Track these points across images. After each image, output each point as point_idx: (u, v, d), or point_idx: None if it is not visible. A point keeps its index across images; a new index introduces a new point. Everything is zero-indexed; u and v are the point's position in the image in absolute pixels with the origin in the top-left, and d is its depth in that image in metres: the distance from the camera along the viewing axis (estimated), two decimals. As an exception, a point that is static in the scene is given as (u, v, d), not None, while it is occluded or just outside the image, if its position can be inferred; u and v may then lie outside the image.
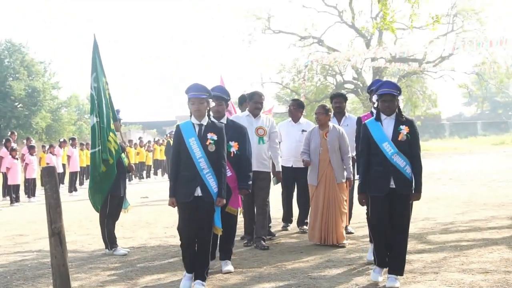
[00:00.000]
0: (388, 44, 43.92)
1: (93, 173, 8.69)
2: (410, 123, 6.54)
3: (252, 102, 9.04)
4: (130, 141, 30.58)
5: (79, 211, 14.46)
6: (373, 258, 6.79)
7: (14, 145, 19.13)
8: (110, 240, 8.92)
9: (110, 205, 8.85)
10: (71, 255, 8.75)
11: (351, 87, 48.20)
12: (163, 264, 8.09)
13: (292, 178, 10.09)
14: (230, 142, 7.34)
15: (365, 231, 9.68)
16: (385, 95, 6.51)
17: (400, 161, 6.41)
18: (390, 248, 6.50)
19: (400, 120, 6.53)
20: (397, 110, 6.57)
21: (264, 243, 8.87)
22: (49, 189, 5.71)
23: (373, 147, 6.53)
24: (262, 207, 8.95)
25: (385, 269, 6.55)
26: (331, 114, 9.15)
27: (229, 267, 7.40)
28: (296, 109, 10.31)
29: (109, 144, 8.70)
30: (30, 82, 51.74)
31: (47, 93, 53.08)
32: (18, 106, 51.16)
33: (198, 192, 6.33)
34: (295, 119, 10.26)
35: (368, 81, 46.16)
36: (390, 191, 6.42)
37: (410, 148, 6.47)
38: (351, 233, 9.64)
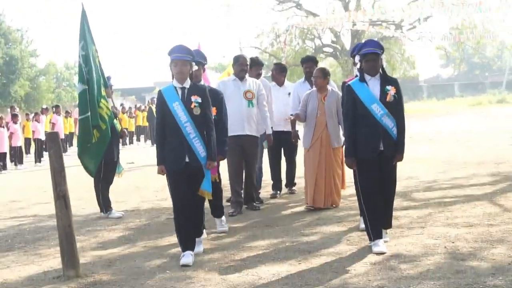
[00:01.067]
0: (366, 6, 44.04)
1: (83, 139, 8.72)
2: (395, 83, 6.41)
3: (238, 64, 8.88)
4: (123, 107, 30.60)
5: (68, 177, 14.60)
6: (366, 230, 6.49)
7: (-2, 113, 19.15)
8: (105, 203, 9.15)
9: (104, 169, 9.06)
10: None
11: (329, 51, 48.31)
12: (159, 225, 8.35)
13: (280, 141, 9.98)
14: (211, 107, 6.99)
15: (352, 190, 10.00)
16: (369, 54, 6.33)
17: (389, 122, 6.28)
18: (380, 210, 6.39)
19: (386, 80, 6.39)
20: (381, 70, 6.42)
21: (255, 204, 9.03)
22: (53, 154, 5.94)
23: (360, 108, 6.31)
24: (252, 169, 9.00)
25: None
26: (329, 76, 8.92)
27: (224, 227, 7.58)
28: (278, 73, 10.38)
29: (100, 110, 8.81)
30: (8, 50, 51.20)
31: (25, 61, 52.56)
32: (-4, 74, 50.75)
33: (186, 158, 6.18)
34: (279, 83, 10.29)
35: (347, 45, 46.34)
36: (379, 154, 6.32)
37: (396, 108, 6.33)
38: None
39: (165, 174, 6.32)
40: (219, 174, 7.46)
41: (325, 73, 8.83)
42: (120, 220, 8.87)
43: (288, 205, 9.35)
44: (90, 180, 9.39)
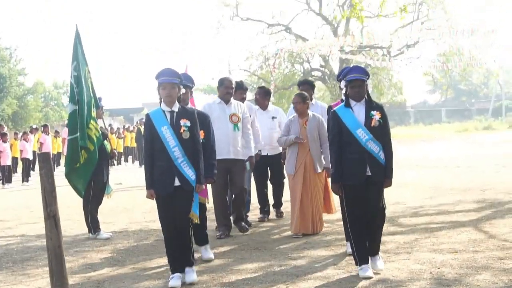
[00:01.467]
0: (355, 31, 44.43)
1: (71, 159, 8.81)
2: (380, 108, 6.43)
3: (223, 87, 8.85)
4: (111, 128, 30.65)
5: (58, 198, 14.61)
6: (352, 255, 6.57)
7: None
8: (93, 224, 9.18)
9: (93, 190, 9.11)
10: (54, 240, 8.98)
11: (318, 75, 48.61)
12: (147, 246, 8.38)
13: (266, 166, 10.06)
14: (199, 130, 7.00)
15: (338, 214, 10.08)
16: (354, 80, 6.36)
17: (374, 147, 6.30)
18: (367, 230, 6.42)
19: (370, 105, 6.42)
20: (366, 95, 6.46)
21: (244, 224, 9.00)
22: (44, 174, 5.95)
23: (345, 134, 6.35)
24: (239, 191, 8.94)
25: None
26: (309, 101, 8.95)
27: (209, 254, 7.40)
28: (262, 97, 10.32)
29: (89, 131, 8.90)
30: (-4, 68, 51.24)
31: (13, 79, 52.59)
32: (-17, 92, 50.65)
33: (177, 182, 6.15)
34: (263, 107, 10.23)
35: (336, 69, 46.64)
36: (366, 179, 6.33)
37: (382, 134, 6.37)
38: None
39: (154, 198, 6.26)
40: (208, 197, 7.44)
41: (304, 98, 8.79)
42: (108, 241, 8.89)
43: (276, 229, 9.42)
44: (78, 201, 9.45)
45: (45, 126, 24.07)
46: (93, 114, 8.95)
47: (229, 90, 8.87)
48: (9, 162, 20.16)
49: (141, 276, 6.72)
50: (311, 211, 8.68)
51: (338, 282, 6.17)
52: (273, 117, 10.10)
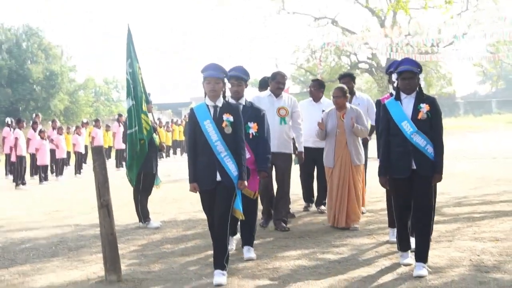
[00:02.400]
0: (402, 23, 44.14)
1: (131, 152, 9.24)
2: (431, 102, 6.23)
3: (275, 82, 8.86)
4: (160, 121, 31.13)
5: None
6: (395, 240, 6.68)
7: (40, 126, 19.77)
8: (143, 214, 9.54)
9: (143, 181, 9.46)
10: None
11: (365, 67, 48.54)
12: (195, 235, 8.67)
13: (312, 158, 9.91)
14: (248, 123, 7.12)
15: (382, 204, 10.24)
16: (405, 72, 6.20)
17: (420, 141, 6.11)
18: (413, 228, 6.32)
19: (421, 98, 6.24)
20: (417, 88, 6.28)
21: (284, 225, 8.77)
22: (98, 166, 6.33)
23: (392, 127, 6.25)
24: (283, 188, 8.84)
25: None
26: (348, 95, 8.96)
27: (251, 254, 7.11)
28: (317, 89, 10.37)
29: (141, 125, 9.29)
30: (48, 65, 52.65)
31: (64, 76, 53.96)
32: (37, 88, 51.96)
33: (218, 177, 6.11)
34: (316, 99, 10.29)
35: (383, 61, 46.48)
36: (412, 173, 6.16)
37: (431, 127, 6.16)
38: (363, 213, 9.45)
39: (197, 192, 6.25)
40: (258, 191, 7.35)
41: (344, 92, 8.81)
42: (158, 230, 9.22)
43: (319, 219, 9.57)
44: (129, 193, 9.79)
45: (96, 120, 24.69)
46: (144, 108, 9.30)
47: (280, 85, 8.86)
48: (64, 155, 20.85)
49: (190, 262, 7.01)
50: (347, 206, 8.62)
51: (379, 269, 6.36)
52: (323, 110, 9.80)
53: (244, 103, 7.33)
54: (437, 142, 6.17)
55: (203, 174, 6.13)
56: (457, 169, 16.01)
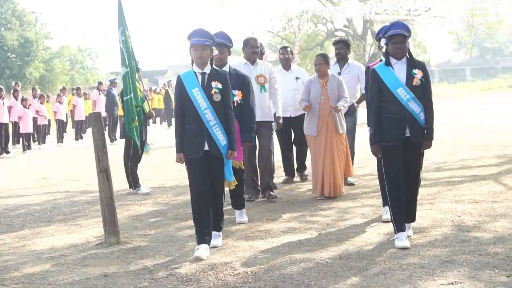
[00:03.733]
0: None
1: (128, 118, 9.38)
2: (422, 66, 6.10)
3: (248, 47, 8.60)
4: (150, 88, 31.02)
5: (91, 157, 15.35)
6: (389, 218, 6.30)
7: (21, 95, 19.79)
8: (134, 180, 9.79)
9: (133, 148, 9.68)
10: (95, 196, 9.61)
11: (342, 35, 48.60)
12: (185, 200, 8.90)
13: (289, 127, 9.76)
14: (233, 91, 6.85)
15: (366, 169, 10.59)
16: (396, 36, 5.99)
17: (415, 108, 6.00)
18: (406, 202, 6.15)
19: (412, 63, 6.07)
20: (407, 53, 6.09)
21: (272, 193, 8.66)
22: (96, 132, 6.55)
23: (385, 93, 6.04)
24: (267, 156, 8.67)
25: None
26: (330, 63, 8.89)
27: (244, 218, 7.31)
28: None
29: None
30: (22, 32, 52.00)
31: (39, 43, 53.39)
32: (11, 56, 51.47)
33: (206, 146, 5.99)
34: (287, 67, 9.95)
35: (359, 29, 46.73)
36: (405, 140, 6.05)
37: (424, 93, 6.06)
38: (352, 184, 9.52)
39: (183, 162, 6.12)
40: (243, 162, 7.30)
41: (326, 59, 8.70)
42: (148, 196, 9.48)
43: (303, 187, 9.72)
44: (117, 159, 10.00)
45: (77, 89, 24.67)
46: (137, 76, 9.49)
47: (255, 49, 8.61)
48: (45, 122, 20.99)
49: (184, 226, 7.28)
50: (333, 174, 8.52)
51: (365, 229, 6.70)
52: (296, 78, 9.83)
53: (228, 70, 7.02)
54: (428, 108, 6.10)
55: (191, 143, 6.00)
56: (435, 135, 16.33)
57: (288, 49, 10.19)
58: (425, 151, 6.29)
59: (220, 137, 6.02)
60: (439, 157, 12.19)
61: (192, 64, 6.10)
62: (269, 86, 8.70)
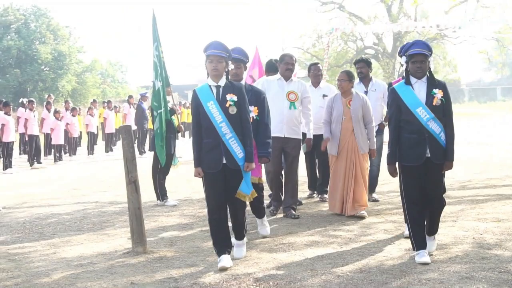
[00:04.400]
0: (409, 10, 44.45)
1: (159, 132, 9.54)
2: (443, 86, 6.05)
3: (283, 63, 8.59)
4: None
5: (119, 170, 15.65)
6: (410, 240, 6.21)
7: (54, 107, 20.23)
8: (161, 192, 9.99)
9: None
10: (124, 206, 9.83)
11: (371, 53, 48.75)
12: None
13: (314, 146, 9.42)
14: (249, 107, 6.58)
15: (390, 186, 10.67)
16: (416, 55, 5.98)
17: (435, 128, 5.96)
18: (426, 220, 6.17)
19: (433, 83, 6.04)
20: (428, 72, 6.08)
21: (294, 212, 8.57)
22: (126, 144, 6.76)
23: (405, 113, 6.02)
24: (292, 175, 8.64)
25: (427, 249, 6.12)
26: (354, 81, 8.78)
27: (266, 230, 7.38)
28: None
29: None
30: (56, 46, 52.98)
31: (72, 57, 54.33)
32: (45, 69, 52.39)
33: (224, 159, 5.98)
34: (316, 84, 9.96)
35: (389, 47, 46.79)
36: (425, 161, 6.00)
37: (444, 113, 6.01)
38: (377, 200, 9.59)
39: (202, 177, 6.11)
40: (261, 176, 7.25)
41: (350, 76, 8.58)
42: (175, 208, 9.68)
43: (326, 205, 9.54)
44: (146, 172, 10.21)
45: (108, 102, 25.03)
46: (167, 91, 9.70)
47: (289, 66, 8.57)
48: (77, 135, 21.39)
49: (209, 237, 7.33)
50: (352, 194, 8.42)
51: (387, 244, 6.79)
52: (323, 95, 9.79)
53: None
54: (449, 128, 6.05)
55: (209, 157, 5.99)
56: (462, 154, 16.38)
57: (319, 66, 10.22)
58: (450, 170, 6.24)
59: (237, 150, 5.99)
60: (465, 175, 12.23)
61: (207, 77, 6.09)
62: (302, 105, 8.68)
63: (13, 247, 7.27)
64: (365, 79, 9.78)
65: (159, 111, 9.45)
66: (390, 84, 7.44)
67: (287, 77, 8.63)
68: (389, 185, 10.89)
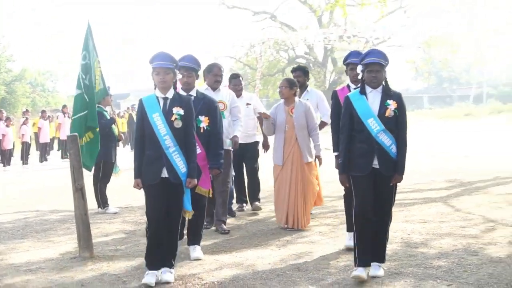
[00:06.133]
0: (339, 20, 45.51)
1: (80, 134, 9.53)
2: (398, 97, 5.90)
3: (212, 74, 8.35)
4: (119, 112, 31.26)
5: (56, 179, 15.74)
6: (352, 246, 6.10)
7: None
8: (102, 200, 10.22)
9: (103, 169, 10.13)
10: (65, 214, 10.03)
11: (303, 61, 49.64)
12: (153, 219, 9.38)
13: (241, 154, 9.48)
14: (200, 117, 6.76)
15: (326, 191, 11.12)
16: (372, 64, 5.80)
17: (386, 140, 5.82)
18: (375, 237, 5.91)
19: (388, 93, 5.89)
20: (383, 82, 5.92)
21: (225, 227, 8.33)
22: (73, 153, 7.03)
23: (357, 123, 5.87)
24: (223, 186, 8.31)
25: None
26: (297, 88, 8.57)
27: (198, 253, 6.87)
28: (238, 89, 9.60)
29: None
30: (-16, 55, 51.88)
31: (1, 66, 53.25)
32: (-27, 78, 51.26)
33: (165, 173, 5.82)
34: (238, 95, 9.41)
35: (320, 56, 47.79)
36: (374, 172, 5.84)
37: (397, 125, 5.88)
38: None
39: (141, 189, 5.99)
40: (212, 189, 7.09)
41: (291, 83, 8.48)
42: (116, 215, 9.92)
43: (261, 214, 9.78)
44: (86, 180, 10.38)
45: (43, 112, 24.90)
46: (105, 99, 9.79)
47: (218, 78, 8.38)
48: (11, 146, 21.22)
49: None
50: (296, 205, 8.28)
51: (322, 245, 7.25)
52: (247, 104, 9.70)
53: (195, 94, 6.93)
54: (401, 141, 5.92)
55: (148, 168, 5.86)
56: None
57: (240, 79, 9.85)
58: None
59: (180, 164, 5.86)
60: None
61: (155, 88, 5.95)
62: (232, 114, 8.50)
63: (-42, 255, 7.40)
64: (301, 88, 9.29)
65: (73, 117, 9.21)
66: (334, 92, 7.24)
67: (215, 87, 8.39)
68: (325, 189, 11.36)
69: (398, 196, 10.46)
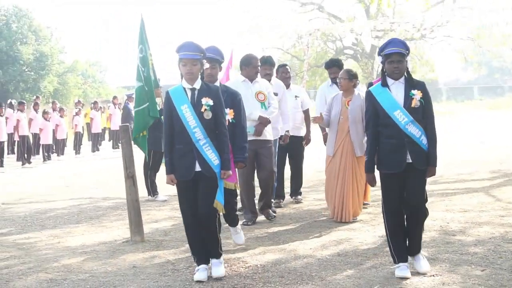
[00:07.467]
0: (387, 10, 45.28)
1: (138, 126, 9.91)
2: (422, 87, 5.64)
3: (252, 67, 8.25)
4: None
5: (107, 168, 16.30)
6: (390, 253, 5.86)
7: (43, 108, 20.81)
8: (152, 188, 10.65)
9: (153, 158, 10.53)
10: (117, 202, 10.48)
11: (350, 53, 49.61)
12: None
13: (285, 147, 9.34)
14: (225, 110, 6.26)
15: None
16: (393, 54, 5.57)
17: (415, 131, 5.55)
18: (407, 233, 5.78)
19: (411, 83, 5.64)
20: (406, 73, 5.69)
21: (271, 212, 8.53)
22: (125, 142, 7.42)
23: (382, 117, 5.62)
24: (268, 178, 8.36)
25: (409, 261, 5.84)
26: (356, 80, 8.35)
27: (240, 238, 7.01)
28: (287, 77, 9.69)
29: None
30: (38, 46, 53.25)
31: (54, 57, 54.60)
32: (26, 70, 52.60)
33: (198, 167, 5.62)
34: (287, 85, 9.39)
35: (368, 47, 47.62)
36: (406, 167, 5.59)
37: (424, 115, 5.61)
38: (367, 204, 9.21)
39: (175, 184, 5.84)
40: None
41: (351, 75, 8.30)
42: (165, 203, 10.33)
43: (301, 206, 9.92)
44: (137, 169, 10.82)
45: (95, 103, 25.52)
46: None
47: (258, 69, 8.33)
48: (65, 135, 22.05)
49: (200, 228, 8.09)
50: (342, 199, 8.18)
51: (362, 232, 7.53)
52: (296, 96, 9.66)
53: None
54: (430, 131, 5.64)
55: (181, 163, 5.65)
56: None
57: (287, 68, 9.90)
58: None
59: (212, 157, 5.65)
60: (437, 171, 12.88)
61: (181, 78, 5.73)
62: (269, 104, 8.34)
63: (19, 238, 7.92)
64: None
65: (136, 109, 9.51)
66: (370, 84, 6.98)
67: (252, 79, 8.31)
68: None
69: (439, 186, 10.89)
